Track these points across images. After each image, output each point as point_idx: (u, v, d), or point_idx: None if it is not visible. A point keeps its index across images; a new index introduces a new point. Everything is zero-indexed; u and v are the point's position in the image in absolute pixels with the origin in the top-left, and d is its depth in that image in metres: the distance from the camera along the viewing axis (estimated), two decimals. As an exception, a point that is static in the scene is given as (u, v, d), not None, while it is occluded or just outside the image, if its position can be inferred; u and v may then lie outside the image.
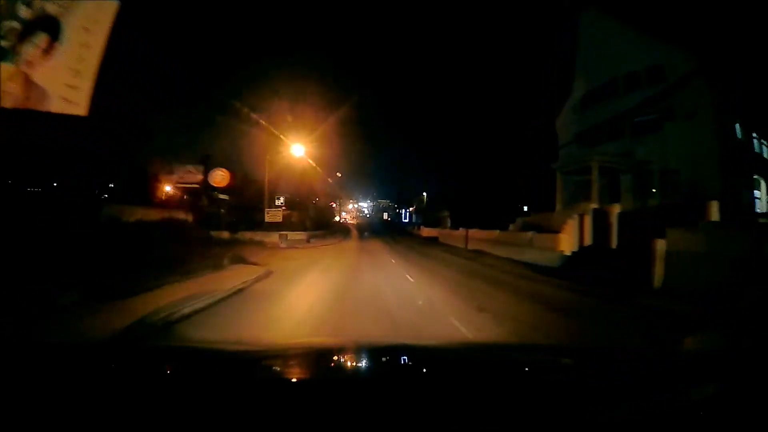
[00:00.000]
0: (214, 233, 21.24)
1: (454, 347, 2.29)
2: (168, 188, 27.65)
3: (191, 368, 1.31)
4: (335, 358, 1.74)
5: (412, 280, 8.93)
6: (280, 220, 21.34)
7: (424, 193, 64.45)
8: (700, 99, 15.09)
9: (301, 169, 27.79)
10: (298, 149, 21.65)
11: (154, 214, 14.97)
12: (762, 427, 0.90)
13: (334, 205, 65.41)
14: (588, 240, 15.90)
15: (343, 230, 41.04)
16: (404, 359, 1.68)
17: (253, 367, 1.43)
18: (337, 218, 65.22)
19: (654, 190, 16.87)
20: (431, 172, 61.19)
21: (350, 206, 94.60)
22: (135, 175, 23.83)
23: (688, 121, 15.25)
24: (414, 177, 69.69)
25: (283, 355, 1.74)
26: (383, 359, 1.72)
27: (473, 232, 20.66)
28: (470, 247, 20.17)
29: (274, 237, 20.64)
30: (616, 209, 15.84)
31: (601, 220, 15.80)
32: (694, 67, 15.22)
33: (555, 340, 4.38)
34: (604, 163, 17.43)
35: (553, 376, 1.31)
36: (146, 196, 23.53)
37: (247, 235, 21.65)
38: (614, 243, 14.58)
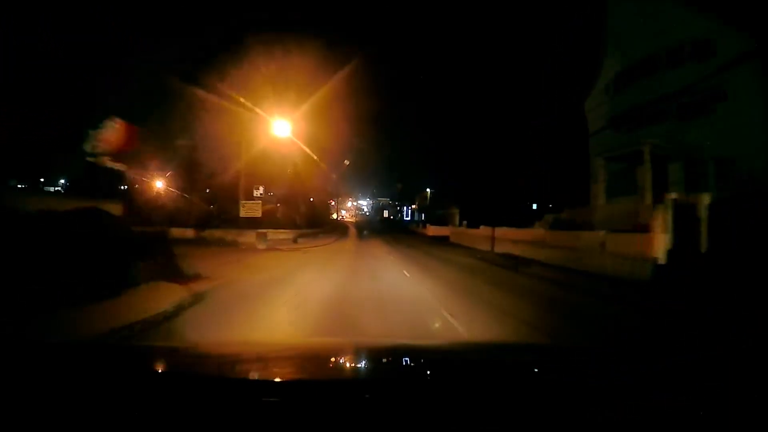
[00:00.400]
0: (176, 231, 17.30)
1: (453, 347, 2.17)
2: (159, 184, 23.32)
3: (185, 369, 1.28)
4: (333, 359, 1.68)
5: (461, 328, 4.50)
6: (260, 215, 17.09)
7: (428, 190, 60.37)
8: (757, 79, 12.20)
9: (294, 160, 23.69)
10: (282, 127, 17.35)
11: (68, 205, 10.81)
12: (762, 427, 0.90)
13: (333, 203, 61.69)
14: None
15: (339, 228, 36.77)
16: (404, 360, 1.65)
17: (251, 367, 1.42)
18: (334, 216, 61.40)
19: (700, 182, 13.71)
20: (433, 169, 56.89)
21: (349, 204, 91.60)
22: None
23: (743, 103, 12.64)
24: (415, 174, 65.25)
25: (278, 356, 1.65)
26: (383, 360, 1.68)
27: (502, 232, 16.39)
28: (498, 249, 15.92)
29: (251, 236, 16.41)
30: (705, 200, 11.75)
31: (683, 215, 11.98)
32: (752, 47, 12.26)
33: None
34: (657, 148, 14.35)
35: (553, 376, 1.27)
36: (101, 188, 19.35)
37: (218, 233, 17.47)
38: (704, 245, 10.61)
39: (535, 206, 35.13)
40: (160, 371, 1.24)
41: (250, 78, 19.71)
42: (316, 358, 1.62)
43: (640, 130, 16.15)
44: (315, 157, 21.06)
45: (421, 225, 42.59)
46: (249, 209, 17.03)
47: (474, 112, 40.85)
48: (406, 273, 9.28)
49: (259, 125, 18.13)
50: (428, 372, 1.50)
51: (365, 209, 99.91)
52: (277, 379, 1.25)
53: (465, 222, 31.67)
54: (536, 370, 1.46)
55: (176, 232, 17.38)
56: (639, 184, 15.44)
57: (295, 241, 18.60)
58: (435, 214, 48.55)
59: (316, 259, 12.16)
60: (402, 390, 1.05)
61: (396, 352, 1.79)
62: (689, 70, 14.25)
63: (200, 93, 19.09)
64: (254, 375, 1.30)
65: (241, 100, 17.29)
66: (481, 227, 18.91)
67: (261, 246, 15.79)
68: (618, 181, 16.92)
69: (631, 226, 12.30)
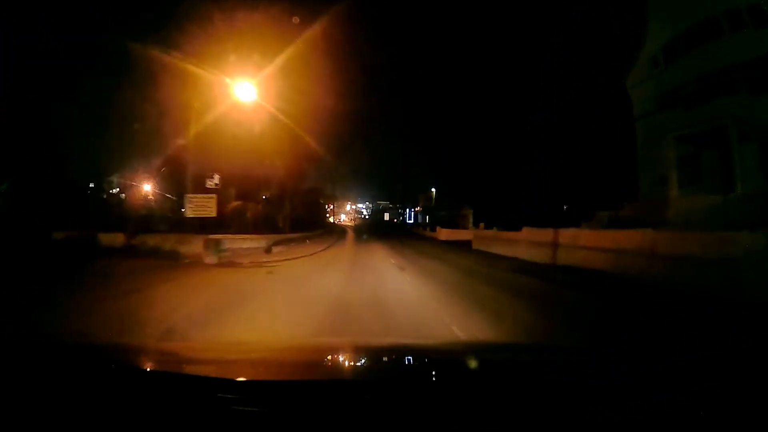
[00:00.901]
0: (106, 237, 12.63)
1: (453, 347, 2.11)
2: (147, 187, 19.06)
3: (184, 370, 1.23)
4: (330, 357, 1.66)
5: None
6: (214, 215, 11.84)
7: (433, 189, 55.22)
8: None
9: (273, 145, 18.68)
10: (246, 91, 12.10)
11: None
12: (762, 427, 0.89)
13: (331, 207, 56.89)
14: None
15: (335, 233, 31.51)
16: (404, 360, 1.63)
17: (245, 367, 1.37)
18: (331, 219, 56.46)
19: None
20: (436, 169, 51.60)
21: (348, 207, 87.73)
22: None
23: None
24: (416, 174, 60.12)
25: (275, 356, 1.60)
26: (383, 359, 1.64)
27: (570, 234, 11.11)
28: (562, 259, 10.70)
29: (200, 245, 11.18)
30: None
31: None
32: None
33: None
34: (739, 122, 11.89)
35: (553, 376, 1.23)
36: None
37: (153, 240, 12.26)
38: None
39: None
40: (153, 371, 1.19)
41: (215, 36, 14.64)
42: (315, 358, 1.59)
43: (704, 106, 13.42)
44: (298, 131, 15.74)
45: (428, 228, 37.56)
46: (198, 206, 11.80)
47: (482, 104, 35.95)
48: (457, 331, 3.93)
49: (219, 90, 12.92)
50: (427, 372, 1.45)
51: (364, 212, 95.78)
52: (275, 380, 1.18)
53: (482, 223, 26.95)
54: (536, 369, 1.38)
55: (105, 238, 12.82)
56: (708, 171, 13.07)
57: (268, 250, 13.32)
58: (439, 215, 44.14)
59: (280, 287, 6.82)
60: (402, 390, 1.03)
61: (395, 351, 1.76)
62: (750, 37, 11.98)
63: (147, 52, 14.03)
64: (251, 376, 1.21)
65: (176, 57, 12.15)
66: (524, 229, 13.65)
67: (210, 259, 10.53)
68: (681, 167, 14.40)
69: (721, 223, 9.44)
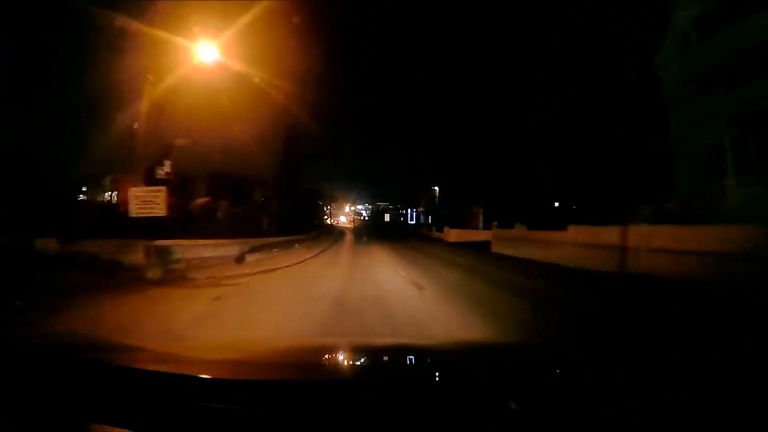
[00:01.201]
0: (42, 242, 10.13)
1: (454, 347, 2.05)
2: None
3: (185, 372, 1.13)
4: (330, 357, 1.62)
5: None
6: (164, 213, 9.01)
7: (436, 188, 52.32)
8: None
9: (270, 143, 16.08)
10: (208, 52, 9.30)
11: None
12: (762, 427, 0.88)
13: (329, 208, 54.18)
14: None
15: (332, 235, 28.67)
16: (404, 360, 1.58)
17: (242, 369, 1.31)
18: (329, 221, 53.74)
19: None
20: (437, 167, 48.67)
21: (347, 209, 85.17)
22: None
23: None
24: (416, 175, 57.30)
25: (273, 358, 1.54)
26: (383, 359, 1.62)
27: (641, 233, 8.20)
28: (633, 266, 7.86)
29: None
30: None
31: None
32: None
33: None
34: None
35: (553, 376, 1.22)
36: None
37: (93, 246, 9.40)
38: None
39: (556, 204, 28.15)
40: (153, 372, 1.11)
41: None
42: (317, 358, 1.56)
43: (745, 86, 12.06)
44: (292, 110, 12.98)
45: (434, 228, 34.78)
46: (144, 203, 8.96)
47: (485, 101, 33.16)
48: None
49: (183, 55, 10.15)
50: (428, 372, 1.42)
51: (364, 214, 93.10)
52: (277, 379, 1.15)
53: (494, 223, 24.28)
54: (536, 369, 1.34)
55: (41, 244, 10.27)
56: (757, 156, 11.85)
57: (240, 259, 10.46)
58: (443, 215, 41.57)
59: (213, 335, 4.01)
60: (403, 390, 1.02)
61: (395, 351, 1.73)
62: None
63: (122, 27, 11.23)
64: (249, 376, 1.18)
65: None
66: (571, 227, 10.75)
67: (153, 273, 7.72)
68: (710, 159, 13.15)
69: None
